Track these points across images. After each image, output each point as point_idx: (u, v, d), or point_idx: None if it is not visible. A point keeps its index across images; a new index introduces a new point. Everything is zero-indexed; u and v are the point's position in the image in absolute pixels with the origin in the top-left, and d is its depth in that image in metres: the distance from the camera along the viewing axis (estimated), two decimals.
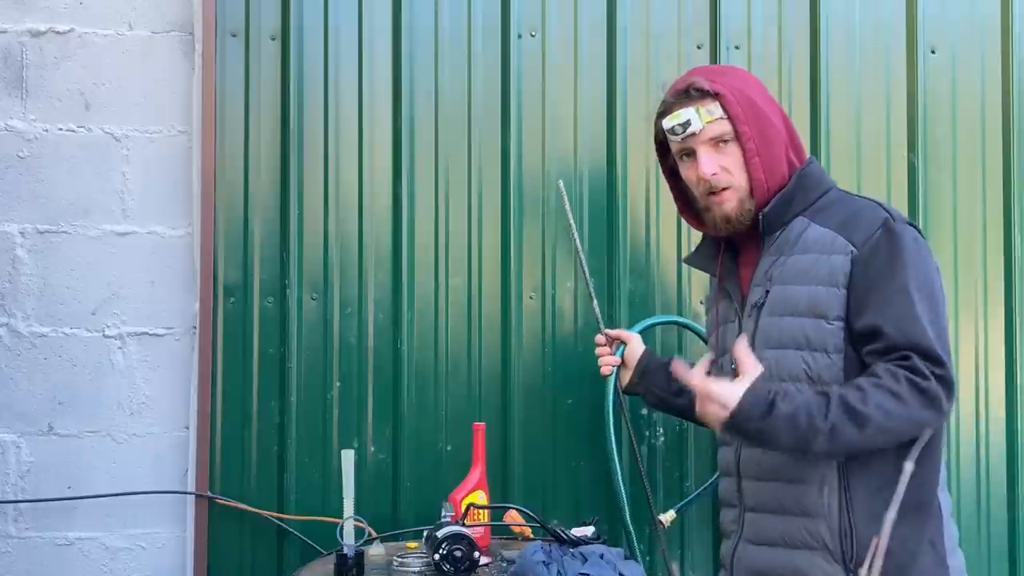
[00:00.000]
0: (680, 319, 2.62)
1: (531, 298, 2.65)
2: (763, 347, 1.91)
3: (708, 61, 2.71)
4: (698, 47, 2.72)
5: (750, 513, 1.94)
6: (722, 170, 1.96)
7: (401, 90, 2.64)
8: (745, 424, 1.77)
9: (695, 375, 1.82)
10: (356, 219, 2.62)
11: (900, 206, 2.72)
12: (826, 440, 1.74)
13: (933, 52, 2.77)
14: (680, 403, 2.27)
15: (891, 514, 0.91)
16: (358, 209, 2.62)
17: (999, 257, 2.76)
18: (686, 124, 1.96)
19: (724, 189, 1.96)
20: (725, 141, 1.95)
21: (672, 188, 2.15)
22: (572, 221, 2.46)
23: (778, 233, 1.94)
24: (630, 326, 2.56)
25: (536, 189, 2.66)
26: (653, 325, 2.59)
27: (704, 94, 1.95)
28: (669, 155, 2.08)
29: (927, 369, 1.75)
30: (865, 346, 1.82)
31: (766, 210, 1.93)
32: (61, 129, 2.56)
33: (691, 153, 1.99)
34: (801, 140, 2.04)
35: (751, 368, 1.79)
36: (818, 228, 1.90)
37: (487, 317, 2.64)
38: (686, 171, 2.02)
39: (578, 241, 2.47)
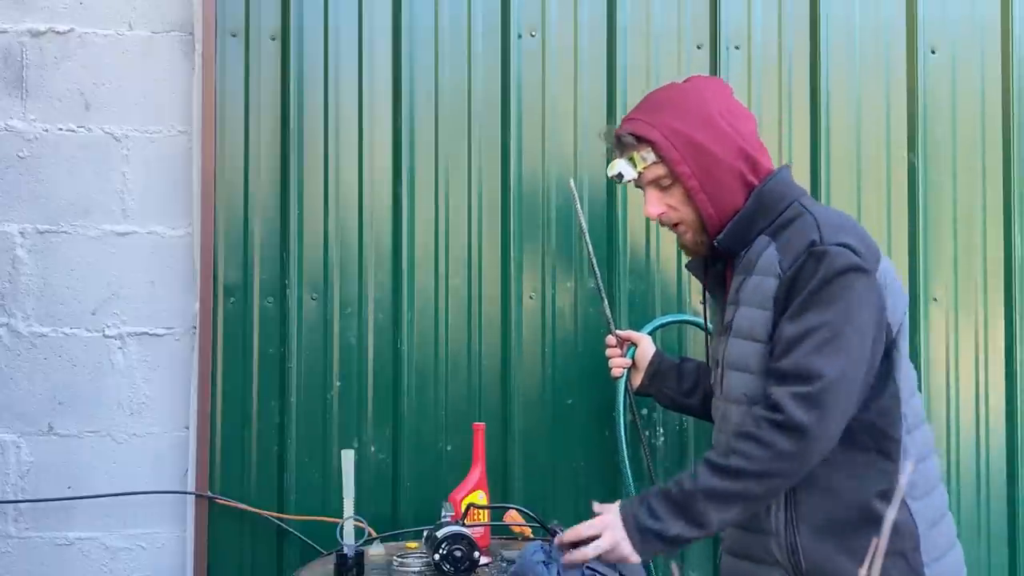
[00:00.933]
0: (690, 317, 2.62)
1: (531, 298, 2.65)
2: (727, 368, 1.93)
3: (708, 61, 2.71)
4: (698, 47, 2.72)
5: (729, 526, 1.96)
6: (668, 208, 1.96)
7: (401, 90, 2.64)
8: (647, 533, 1.78)
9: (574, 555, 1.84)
10: (356, 219, 2.62)
11: (900, 206, 2.72)
12: (709, 503, 1.75)
13: (933, 52, 2.77)
14: (692, 403, 2.27)
15: (891, 515, 0.91)
16: (358, 209, 2.62)
17: (999, 256, 2.76)
18: (620, 176, 1.98)
19: (676, 224, 1.97)
20: (666, 183, 1.94)
21: None
22: (583, 220, 2.45)
23: (744, 252, 1.93)
24: (631, 326, 2.56)
25: (536, 189, 2.66)
26: (663, 325, 2.59)
27: (637, 140, 1.94)
28: None
29: (786, 400, 1.74)
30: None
31: (720, 237, 1.92)
32: (61, 129, 2.56)
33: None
34: (760, 156, 1.95)
35: (597, 522, 1.84)
36: (771, 249, 1.87)
37: (487, 317, 2.64)
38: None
39: (589, 241, 2.45)
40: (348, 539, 2.22)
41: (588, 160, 2.66)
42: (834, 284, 1.78)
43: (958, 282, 2.74)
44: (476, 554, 2.10)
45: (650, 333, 2.48)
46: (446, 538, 2.10)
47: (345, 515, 2.25)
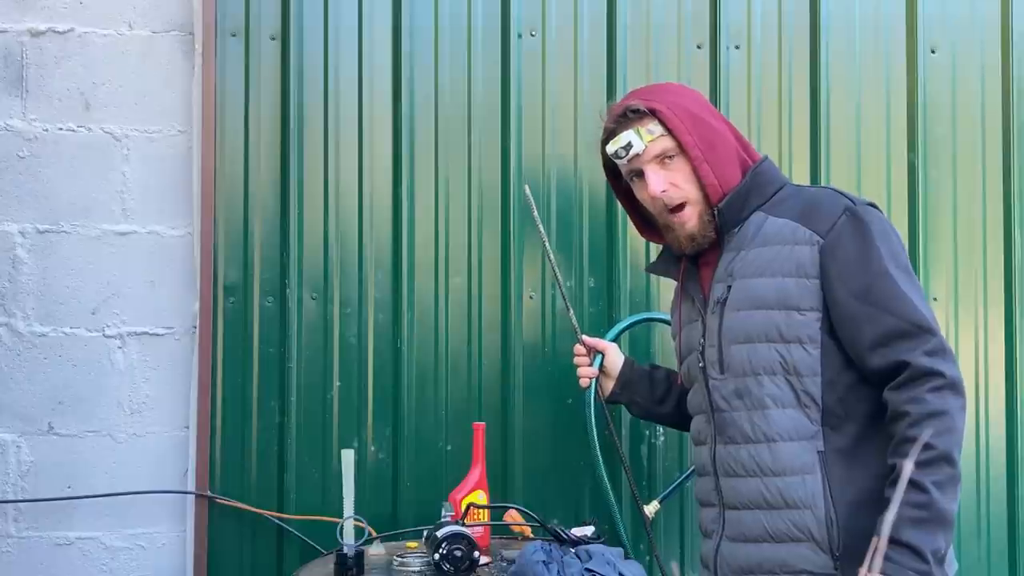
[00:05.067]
0: (653, 314, 2.60)
1: (531, 298, 2.65)
2: (730, 343, 1.92)
3: (708, 61, 2.71)
4: (698, 47, 2.72)
5: (731, 511, 1.94)
6: (672, 186, 1.97)
7: (401, 90, 2.64)
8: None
9: None
10: (356, 219, 2.62)
11: (900, 206, 2.73)
12: (947, 495, 1.72)
13: (933, 51, 2.77)
14: (664, 410, 2.27)
15: (890, 515, 0.91)
16: (358, 209, 2.62)
17: (999, 257, 2.76)
18: (628, 147, 1.97)
19: (681, 205, 1.97)
20: (670, 157, 1.96)
21: (627, 209, 2.16)
22: (541, 228, 2.42)
23: (736, 229, 1.95)
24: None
25: (536, 189, 2.65)
26: (628, 327, 2.57)
27: (641, 114, 1.96)
28: (621, 177, 2.09)
29: (929, 361, 1.76)
30: (859, 335, 1.82)
31: (721, 205, 1.93)
32: (61, 129, 2.56)
33: (640, 173, 2.00)
34: (750, 143, 2.05)
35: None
36: (776, 220, 1.91)
37: (487, 317, 2.64)
38: (639, 192, 2.04)
39: (549, 249, 2.44)
40: (348, 539, 2.22)
41: (588, 159, 2.66)
42: (888, 238, 1.86)
43: (958, 282, 2.74)
44: (476, 554, 2.10)
45: (616, 336, 2.47)
46: (446, 538, 2.10)
47: (345, 515, 2.25)
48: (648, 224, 2.12)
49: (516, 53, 2.67)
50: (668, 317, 2.57)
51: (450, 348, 2.62)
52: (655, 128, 1.95)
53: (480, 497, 2.36)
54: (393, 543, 2.40)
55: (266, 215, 2.60)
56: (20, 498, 2.51)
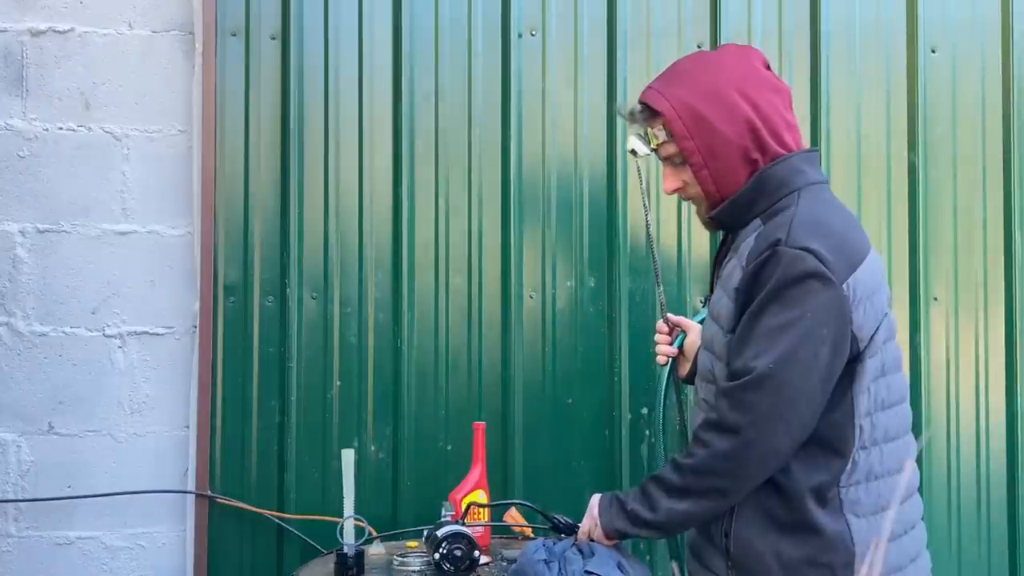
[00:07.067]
0: None
1: (531, 298, 2.65)
2: (702, 344, 1.97)
3: None
4: (698, 46, 2.72)
5: None
6: (683, 184, 1.92)
7: (401, 90, 2.64)
8: (613, 500, 1.94)
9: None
10: (356, 219, 2.62)
11: (900, 206, 2.73)
12: (659, 488, 1.83)
13: (933, 52, 2.77)
14: None
15: (890, 514, 0.91)
16: (358, 209, 2.62)
17: (999, 257, 2.76)
18: (634, 151, 1.96)
19: (693, 199, 1.95)
20: (679, 160, 1.90)
21: None
22: (645, 199, 2.33)
23: (741, 231, 1.91)
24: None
25: (536, 188, 2.66)
26: None
27: (650, 114, 1.90)
28: None
29: (721, 399, 1.78)
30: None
31: (714, 213, 1.89)
32: (61, 128, 2.56)
33: None
34: (783, 132, 1.85)
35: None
36: (753, 236, 1.84)
37: (487, 317, 2.64)
38: None
39: (650, 221, 2.39)
40: (348, 538, 2.22)
41: (588, 160, 2.67)
42: (791, 288, 1.73)
43: (958, 282, 2.74)
44: (476, 553, 2.10)
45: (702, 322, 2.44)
46: (446, 537, 2.10)
47: (345, 514, 2.25)
48: None
49: (516, 53, 2.67)
50: None
51: (450, 348, 2.63)
52: (661, 133, 1.88)
53: (480, 497, 2.36)
54: (393, 543, 2.40)
55: (266, 215, 2.60)
56: (20, 498, 2.51)
